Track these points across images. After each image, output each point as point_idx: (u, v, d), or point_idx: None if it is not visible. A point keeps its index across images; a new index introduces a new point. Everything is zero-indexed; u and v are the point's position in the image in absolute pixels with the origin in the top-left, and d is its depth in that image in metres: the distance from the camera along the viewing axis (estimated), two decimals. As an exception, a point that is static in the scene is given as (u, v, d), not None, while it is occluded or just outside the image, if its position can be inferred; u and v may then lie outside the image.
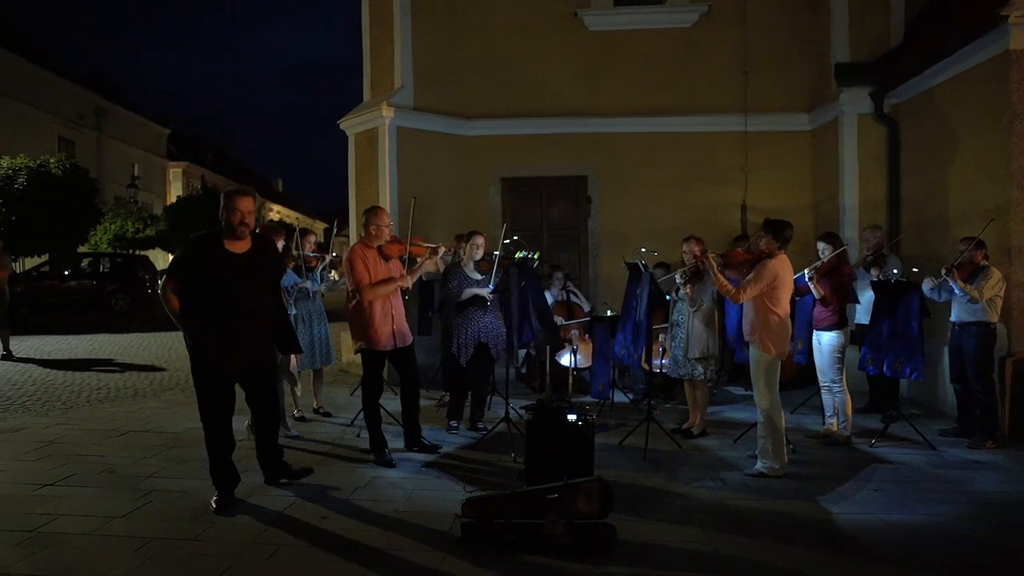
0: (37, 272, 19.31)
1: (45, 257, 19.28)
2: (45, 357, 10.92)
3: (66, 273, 19.67)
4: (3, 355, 10.57)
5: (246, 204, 4.42)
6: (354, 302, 5.46)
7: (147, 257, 23.94)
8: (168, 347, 12.36)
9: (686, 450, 5.88)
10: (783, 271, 5.19)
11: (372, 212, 5.58)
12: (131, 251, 25.36)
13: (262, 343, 4.61)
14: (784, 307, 5.21)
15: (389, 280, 5.45)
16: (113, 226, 25.55)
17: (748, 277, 5.27)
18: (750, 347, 5.30)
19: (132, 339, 13.52)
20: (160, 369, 10.01)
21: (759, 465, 5.20)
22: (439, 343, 8.07)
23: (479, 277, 6.40)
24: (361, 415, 6.49)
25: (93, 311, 18.86)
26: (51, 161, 17.14)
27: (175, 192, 38.54)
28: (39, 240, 16.95)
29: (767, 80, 9.56)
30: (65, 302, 18.73)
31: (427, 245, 5.74)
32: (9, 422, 6.70)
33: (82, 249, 21.12)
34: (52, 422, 6.66)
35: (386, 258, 5.50)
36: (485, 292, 6.30)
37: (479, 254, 6.42)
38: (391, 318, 5.44)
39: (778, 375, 5.21)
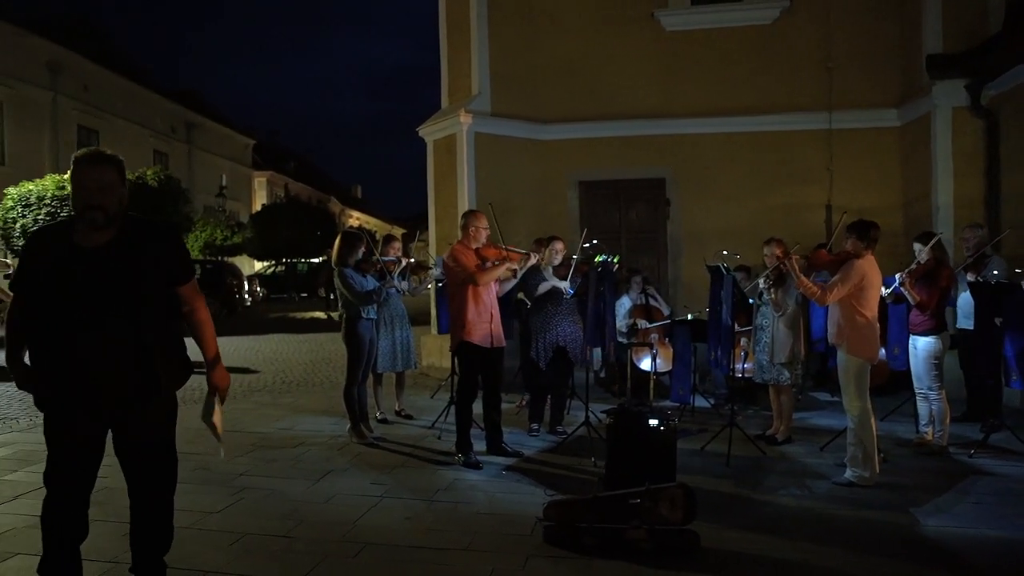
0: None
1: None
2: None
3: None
4: None
5: (97, 173, 2.89)
6: (455, 300, 5.56)
7: (235, 264, 24.91)
8: (256, 350, 12.84)
9: (770, 457, 5.74)
10: (870, 272, 5.02)
11: (471, 215, 5.71)
12: (220, 258, 26.46)
13: (140, 388, 2.96)
14: (872, 309, 5.03)
15: (500, 265, 5.55)
16: (203, 234, 26.71)
17: (834, 278, 5.12)
18: (837, 351, 5.14)
19: (222, 342, 13.92)
20: (249, 372, 10.40)
21: (848, 474, 5.03)
22: (517, 346, 8.12)
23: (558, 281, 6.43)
24: (442, 418, 6.65)
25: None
26: (148, 173, 18.05)
27: (260, 200, 40.06)
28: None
29: (852, 75, 9.25)
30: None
31: (521, 252, 5.82)
32: (113, 421, 7.08)
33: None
34: (151, 421, 7.02)
35: (483, 260, 5.60)
36: (563, 285, 6.32)
37: (558, 259, 6.45)
38: (489, 316, 5.54)
39: (868, 380, 5.03)
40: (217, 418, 3.27)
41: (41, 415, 3.04)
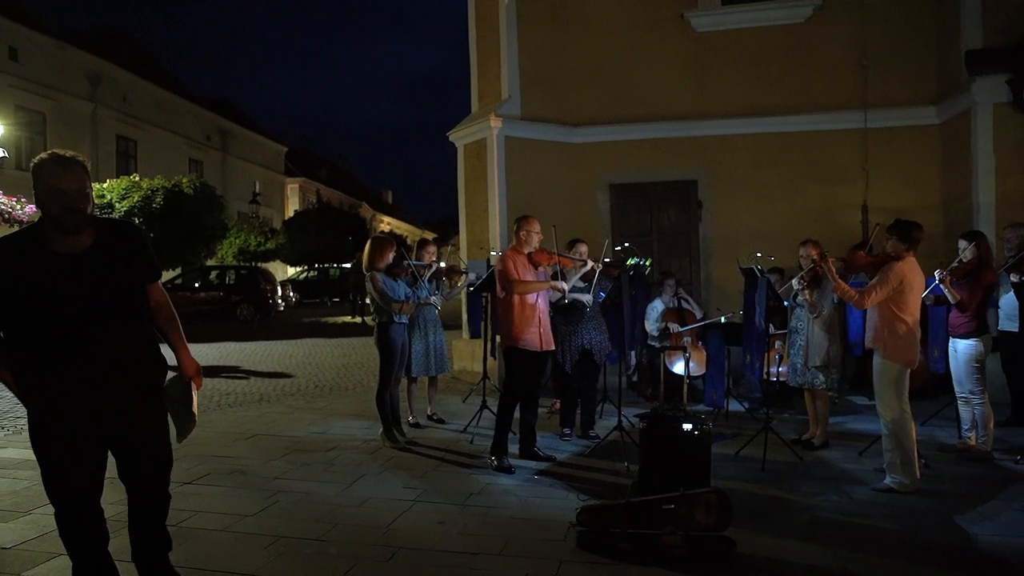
0: (171, 285, 20.74)
1: (178, 271, 20.66)
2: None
3: (196, 285, 21.03)
4: None
5: (72, 175, 2.84)
6: (503, 304, 5.59)
7: (268, 269, 25.22)
8: (289, 355, 12.98)
9: (807, 462, 5.65)
10: (911, 274, 4.90)
11: (522, 220, 5.73)
12: (253, 263, 26.81)
13: (133, 389, 2.98)
14: (912, 313, 4.91)
15: (543, 280, 5.61)
16: (237, 240, 27.09)
17: (872, 281, 5.02)
18: (874, 356, 5.04)
19: (256, 347, 14.27)
20: (283, 376, 10.51)
21: (887, 480, 4.92)
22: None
23: (582, 285, 6.41)
24: (474, 422, 6.65)
25: (220, 320, 20.06)
26: (183, 181, 18.35)
27: (292, 206, 40.54)
28: (174, 255, 18.16)
29: (888, 73, 9.09)
30: (196, 312, 19.99)
31: (575, 258, 5.81)
32: (150, 424, 7.20)
33: (210, 262, 22.50)
34: (188, 425, 7.12)
35: (535, 265, 5.61)
36: (586, 299, 6.31)
37: (589, 266, 6.42)
38: (538, 320, 5.54)
39: (907, 386, 4.92)
40: (194, 405, 3.32)
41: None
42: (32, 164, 2.89)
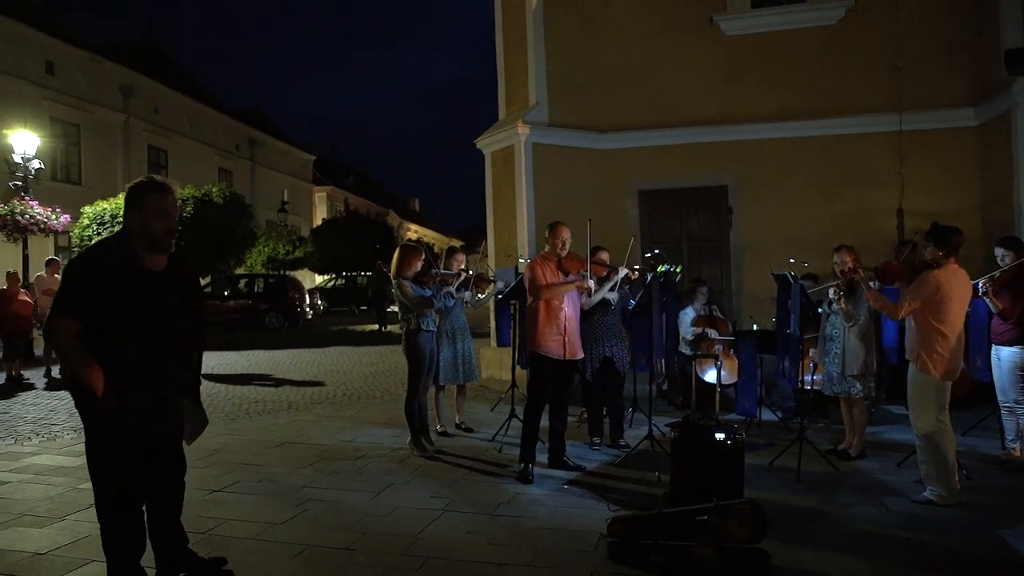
0: (201, 293, 21.00)
1: (207, 279, 20.96)
2: (209, 372, 11.83)
3: (225, 293, 21.30)
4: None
5: (173, 200, 3.18)
6: (529, 311, 5.61)
7: (296, 278, 25.48)
8: (317, 363, 13.08)
9: (843, 472, 5.56)
10: (948, 283, 4.73)
11: (552, 227, 5.73)
12: (282, 272, 27.10)
13: (179, 404, 3.38)
14: (952, 324, 4.75)
15: (570, 282, 5.56)
16: (266, 248, 27.41)
17: (906, 290, 4.91)
18: (910, 366, 4.93)
19: (284, 355, 14.40)
20: (311, 384, 10.59)
21: (927, 492, 4.81)
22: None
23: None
24: (502, 431, 6.64)
25: (249, 328, 20.28)
26: (213, 190, 18.63)
27: (320, 215, 40.96)
28: (203, 264, 18.43)
29: (923, 74, 8.95)
30: (225, 320, 20.24)
31: (607, 265, 5.77)
32: (181, 432, 7.29)
33: (238, 271, 22.80)
34: (217, 432, 7.19)
35: (565, 272, 5.59)
36: (612, 296, 6.27)
37: (623, 273, 6.39)
38: (564, 328, 5.51)
39: (947, 398, 4.80)
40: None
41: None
42: (133, 186, 3.19)
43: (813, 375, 6.94)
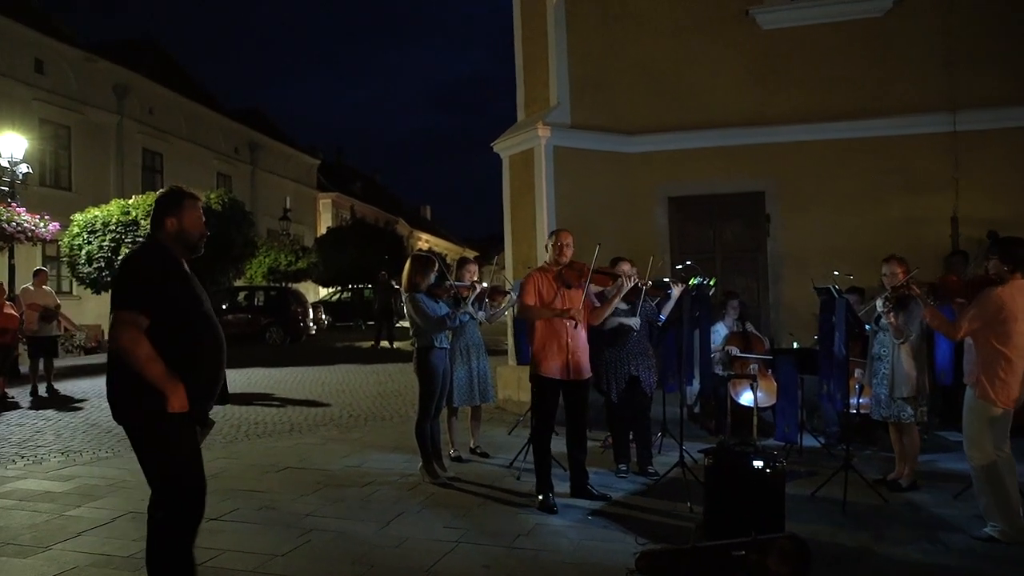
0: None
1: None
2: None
3: (224, 307, 21.44)
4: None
5: (201, 209, 3.63)
6: (528, 327, 5.62)
7: (299, 290, 25.61)
8: (321, 382, 13.12)
9: (894, 505, 5.48)
10: (1014, 301, 4.65)
11: (554, 234, 5.74)
12: (284, 284, 27.26)
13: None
14: (1018, 346, 4.66)
15: (554, 310, 5.48)
16: (267, 259, 27.59)
17: (967, 309, 4.85)
18: (967, 391, 4.86)
19: (286, 373, 14.46)
20: (315, 404, 10.62)
21: (987, 528, 4.73)
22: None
23: (625, 307, 6.35)
24: (521, 456, 6.61)
25: (249, 344, 20.39)
26: (211, 196, 18.77)
27: (325, 223, 41.24)
28: (201, 275, 18.56)
29: (980, 69, 8.88)
30: (223, 336, 20.29)
31: (611, 273, 5.71)
32: (176, 456, 7.32)
33: (238, 283, 22.95)
34: (215, 456, 7.22)
35: (567, 284, 5.55)
36: (632, 322, 6.25)
37: (630, 284, 6.36)
38: (565, 347, 5.47)
39: (1007, 429, 4.73)
40: None
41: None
42: (168, 193, 3.57)
43: (859, 398, 6.87)
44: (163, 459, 3.31)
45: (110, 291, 3.43)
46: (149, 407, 3.19)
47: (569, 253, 5.63)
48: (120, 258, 15.69)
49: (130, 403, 3.27)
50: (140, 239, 15.86)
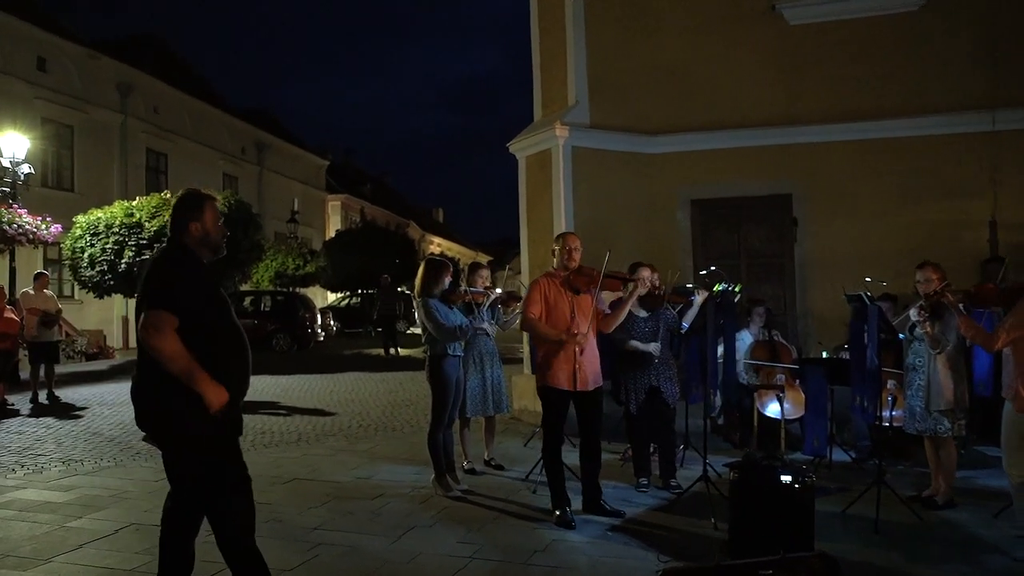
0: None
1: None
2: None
3: (229, 312, 21.56)
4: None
5: (218, 209, 3.73)
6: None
7: (307, 295, 25.70)
8: (330, 390, 13.16)
9: (929, 523, 5.44)
10: None
11: (560, 237, 5.75)
12: (291, 288, 27.38)
13: None
14: None
15: (551, 329, 5.46)
16: (274, 263, 27.72)
17: (1005, 318, 4.81)
18: (1005, 405, 4.82)
19: (293, 381, 14.51)
20: (323, 413, 10.65)
21: (1029, 547, 4.69)
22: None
23: (644, 314, 6.34)
24: (536, 469, 6.60)
25: (254, 351, 20.40)
26: (218, 198, 18.95)
27: (334, 226, 41.40)
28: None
29: (1021, 66, 8.80)
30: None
31: (624, 277, 5.69)
32: (180, 466, 7.37)
33: (244, 287, 23.07)
34: (220, 467, 7.25)
35: (575, 290, 5.52)
36: (652, 348, 6.30)
37: (645, 288, 6.36)
38: (572, 355, 5.44)
39: None
40: None
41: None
42: (187, 196, 3.68)
43: (892, 410, 6.82)
44: (206, 488, 3.46)
45: (137, 299, 3.47)
46: (191, 432, 3.35)
47: (578, 257, 5.59)
48: (122, 262, 15.85)
49: (166, 427, 3.40)
50: (144, 242, 16.00)
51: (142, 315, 3.32)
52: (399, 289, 28.37)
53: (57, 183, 22.76)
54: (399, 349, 20.08)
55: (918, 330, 5.86)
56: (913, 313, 5.86)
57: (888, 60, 9.24)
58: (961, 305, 5.50)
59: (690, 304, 6.38)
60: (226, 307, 3.55)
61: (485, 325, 6.63)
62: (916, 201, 9.04)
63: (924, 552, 4.87)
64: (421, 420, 9.51)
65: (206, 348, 3.34)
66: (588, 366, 5.53)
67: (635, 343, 6.29)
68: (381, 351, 20.67)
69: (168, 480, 3.53)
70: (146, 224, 16.61)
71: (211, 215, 3.62)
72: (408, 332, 28.79)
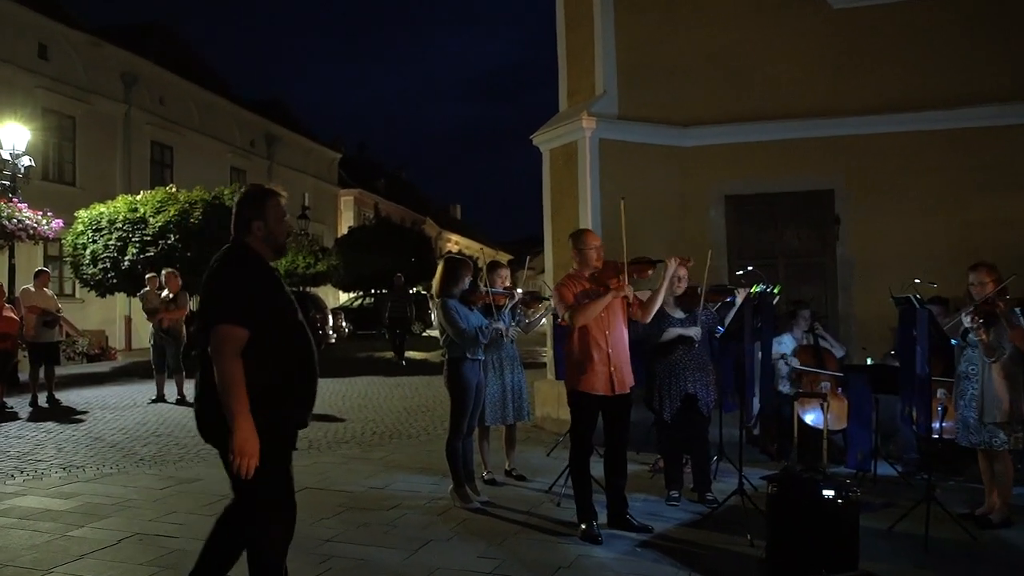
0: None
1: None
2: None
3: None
4: (178, 399, 11.78)
5: (283, 206, 3.73)
6: (567, 339, 5.59)
7: (318, 295, 25.79)
8: (342, 395, 13.21)
9: (983, 543, 5.36)
10: None
11: (577, 236, 5.74)
12: (301, 288, 27.50)
13: None
14: None
15: (602, 297, 5.42)
16: (284, 261, 27.85)
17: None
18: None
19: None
20: (335, 420, 10.69)
21: (1092, 569, 4.61)
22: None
23: (681, 315, 6.30)
24: (560, 481, 6.58)
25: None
26: (225, 192, 19.03)
27: (346, 222, 41.62)
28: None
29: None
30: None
31: (651, 261, 5.64)
32: (186, 472, 7.43)
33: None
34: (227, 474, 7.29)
35: (604, 285, 5.51)
36: (693, 332, 6.21)
37: (681, 288, 6.32)
38: (607, 356, 5.44)
39: None
40: None
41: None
42: (249, 194, 3.68)
43: (942, 421, 6.74)
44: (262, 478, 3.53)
45: (200, 302, 3.54)
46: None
47: (596, 255, 5.62)
48: (125, 259, 15.97)
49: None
50: (148, 238, 16.15)
51: (210, 328, 3.33)
52: (412, 290, 28.37)
53: (58, 176, 22.99)
54: (404, 359, 19.91)
55: (971, 336, 5.79)
56: (966, 319, 5.79)
57: (941, 45, 9.11)
58: (1018, 310, 5.43)
59: (731, 305, 6.34)
60: (293, 309, 3.55)
61: (501, 325, 6.60)
62: (970, 197, 8.92)
63: (978, 573, 4.81)
64: (438, 427, 9.53)
65: (279, 356, 3.42)
66: (624, 367, 5.54)
67: (675, 329, 6.24)
68: (393, 354, 20.69)
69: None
70: (150, 219, 16.73)
71: (274, 212, 3.60)
72: (424, 335, 28.83)
